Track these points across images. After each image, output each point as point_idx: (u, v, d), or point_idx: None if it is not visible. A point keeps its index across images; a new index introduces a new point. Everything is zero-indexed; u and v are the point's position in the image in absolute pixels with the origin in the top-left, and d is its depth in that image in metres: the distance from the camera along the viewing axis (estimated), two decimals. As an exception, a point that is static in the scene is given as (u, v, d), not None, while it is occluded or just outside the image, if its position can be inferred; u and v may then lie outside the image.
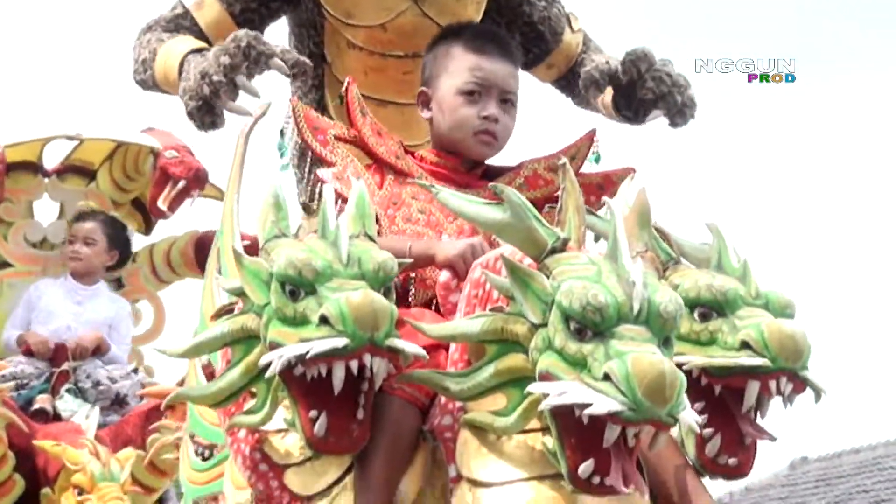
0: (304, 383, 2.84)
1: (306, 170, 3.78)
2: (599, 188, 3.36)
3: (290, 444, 3.07)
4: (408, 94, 3.70)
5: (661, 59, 3.68)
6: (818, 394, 2.99)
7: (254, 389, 3.03)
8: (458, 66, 3.41)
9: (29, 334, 5.95)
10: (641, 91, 3.66)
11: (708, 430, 3.03)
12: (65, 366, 5.88)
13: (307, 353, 2.76)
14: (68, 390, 5.83)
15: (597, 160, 3.47)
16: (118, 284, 6.44)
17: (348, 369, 2.77)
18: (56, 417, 5.76)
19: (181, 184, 6.13)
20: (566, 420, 2.67)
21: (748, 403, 2.97)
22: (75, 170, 6.43)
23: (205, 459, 3.53)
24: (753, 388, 2.94)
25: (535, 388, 2.71)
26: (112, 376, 5.88)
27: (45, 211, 6.46)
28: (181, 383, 5.67)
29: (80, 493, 5.40)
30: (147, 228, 6.67)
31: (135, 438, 5.57)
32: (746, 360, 2.92)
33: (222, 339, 3.01)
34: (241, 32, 3.43)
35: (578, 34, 4.01)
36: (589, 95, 3.77)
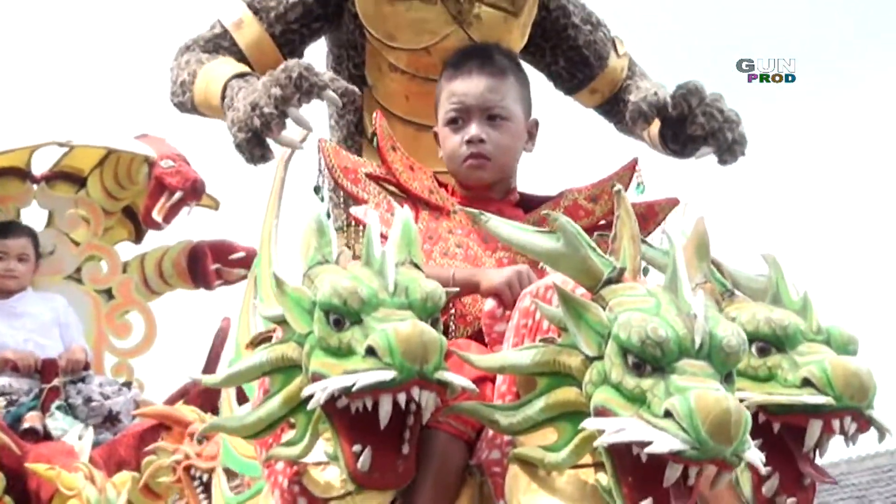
0: (348, 416, 2.76)
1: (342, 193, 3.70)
2: (643, 219, 3.26)
3: (330, 478, 2.98)
4: None
5: (712, 93, 3.60)
6: (882, 433, 2.90)
7: (293, 420, 2.95)
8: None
9: (10, 351, 5.78)
10: (691, 127, 3.57)
11: (765, 469, 2.94)
12: (55, 381, 5.70)
13: (353, 385, 2.68)
14: (58, 407, 5.65)
15: (640, 191, 3.39)
16: (108, 295, 6.33)
17: (395, 403, 2.69)
18: (46, 436, 5.61)
19: (177, 195, 6.03)
20: (623, 457, 2.59)
21: (809, 443, 2.88)
22: (65, 176, 6.33)
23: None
24: (816, 427, 2.86)
25: (590, 423, 2.62)
26: (104, 392, 5.72)
27: (34, 218, 6.34)
28: (171, 401, 5.59)
29: None
30: (138, 237, 6.57)
31: (129, 460, 5.39)
32: (809, 398, 2.83)
33: (261, 368, 2.93)
34: (293, 63, 3.34)
35: (624, 59, 3.93)
36: (636, 128, 3.69)
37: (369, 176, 3.33)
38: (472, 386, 2.75)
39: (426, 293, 2.80)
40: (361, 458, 2.74)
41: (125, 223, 6.53)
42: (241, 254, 6.38)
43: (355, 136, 3.73)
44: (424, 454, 2.85)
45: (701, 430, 2.46)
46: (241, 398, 3.63)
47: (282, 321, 2.91)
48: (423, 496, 2.86)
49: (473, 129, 3.34)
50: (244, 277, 6.49)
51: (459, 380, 2.72)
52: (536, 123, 3.48)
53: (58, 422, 5.62)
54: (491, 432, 2.89)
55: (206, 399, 5.32)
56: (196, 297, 6.59)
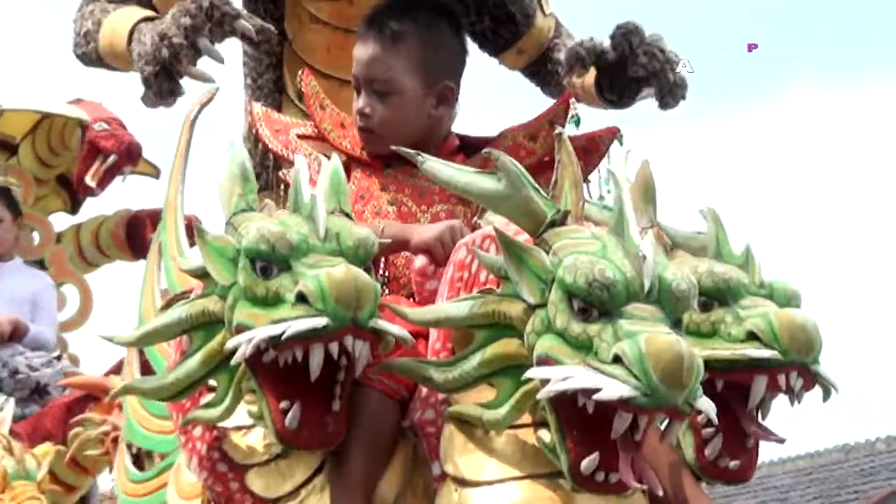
0: (275, 371, 2.64)
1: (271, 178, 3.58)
2: (585, 152, 3.17)
3: (252, 442, 2.86)
4: None
5: (652, 33, 3.49)
6: (827, 391, 2.84)
7: (212, 382, 2.82)
8: None
9: None
10: (632, 68, 3.46)
11: (708, 430, 2.86)
12: None
13: (282, 334, 2.56)
14: None
15: (577, 123, 3.30)
16: (40, 266, 6.14)
17: (327, 354, 2.57)
18: None
19: (111, 158, 5.85)
20: (568, 409, 2.50)
21: (754, 400, 2.80)
22: None
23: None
24: (761, 382, 2.78)
25: (534, 373, 2.52)
26: (32, 364, 5.56)
27: None
28: (114, 372, 5.41)
29: None
30: (73, 207, 6.39)
31: (55, 433, 5.24)
32: (754, 351, 2.76)
33: (180, 324, 2.81)
34: None
35: (550, 18, 3.83)
36: (573, 74, 3.58)
37: (301, 136, 3.22)
38: (408, 336, 2.65)
39: (358, 239, 2.69)
40: (289, 415, 2.63)
41: (59, 192, 6.34)
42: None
43: (275, 93, 3.61)
44: (356, 414, 2.74)
45: (652, 376, 2.37)
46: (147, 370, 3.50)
47: (202, 274, 2.78)
48: (354, 459, 2.74)
49: (361, 101, 3.24)
50: None
51: (395, 329, 2.62)
52: (450, 88, 3.30)
53: None
54: (424, 391, 2.79)
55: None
56: (135, 268, 6.40)
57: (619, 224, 2.56)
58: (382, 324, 2.60)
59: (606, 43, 3.51)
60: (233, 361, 2.66)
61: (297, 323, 2.55)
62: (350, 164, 3.20)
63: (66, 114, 6.02)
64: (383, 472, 2.78)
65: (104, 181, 5.95)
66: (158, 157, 6.30)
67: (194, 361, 2.78)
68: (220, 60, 3.31)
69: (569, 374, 2.45)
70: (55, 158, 6.19)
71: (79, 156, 5.98)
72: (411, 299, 3.03)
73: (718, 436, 2.85)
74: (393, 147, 2.97)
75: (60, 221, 6.34)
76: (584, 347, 2.47)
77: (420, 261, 2.99)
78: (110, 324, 6.41)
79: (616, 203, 2.58)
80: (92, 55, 3.57)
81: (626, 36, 3.48)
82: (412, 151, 2.74)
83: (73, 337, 6.21)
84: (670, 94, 3.49)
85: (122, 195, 6.24)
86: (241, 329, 2.66)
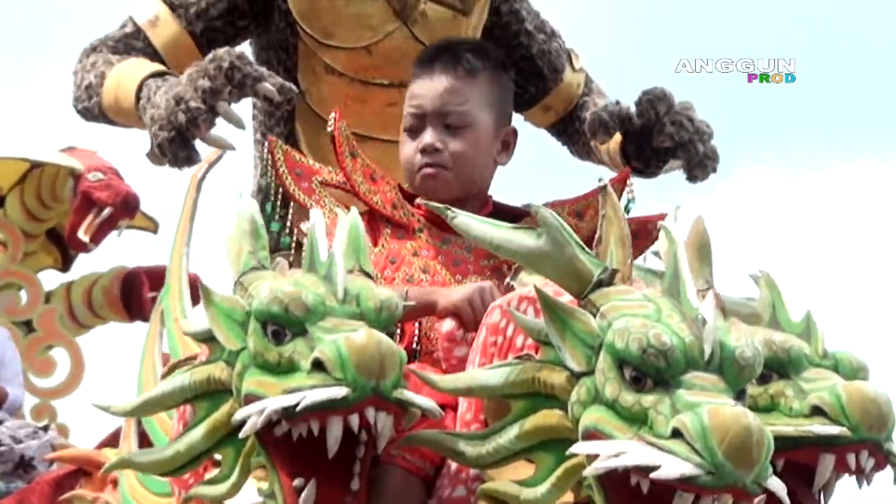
0: (288, 445, 2.40)
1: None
2: (635, 236, 2.89)
3: (261, 522, 2.59)
4: (391, 129, 3.29)
5: (681, 101, 3.28)
6: None
7: (218, 456, 2.56)
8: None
9: None
10: (658, 138, 3.25)
11: None
12: None
13: (297, 404, 2.31)
14: None
15: (630, 206, 3.02)
16: (28, 328, 5.87)
17: (346, 427, 2.32)
18: None
19: (106, 211, 5.60)
20: (618, 488, 2.26)
21: (820, 481, 2.57)
22: None
23: None
24: (828, 462, 2.55)
25: (581, 448, 2.28)
26: (16, 435, 5.28)
27: None
28: (107, 444, 5.15)
29: None
30: (65, 264, 6.14)
31: None
32: (820, 428, 2.52)
33: (182, 393, 2.56)
34: (222, 51, 3.02)
35: (580, 74, 3.62)
36: (596, 140, 3.36)
37: (325, 184, 2.96)
38: (436, 408, 2.40)
39: (380, 301, 2.45)
40: (304, 495, 2.39)
41: (49, 248, 6.09)
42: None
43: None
44: (376, 493, 2.51)
45: (717, 453, 2.12)
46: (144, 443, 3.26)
47: (208, 338, 2.54)
48: None
49: (429, 137, 2.98)
50: None
51: (421, 400, 2.37)
52: (514, 132, 3.11)
53: None
54: (454, 466, 2.55)
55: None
56: (131, 330, 6.17)
57: (675, 284, 2.32)
58: (408, 394, 2.35)
59: (633, 108, 3.30)
60: (241, 434, 2.42)
61: (314, 393, 2.31)
62: (378, 222, 2.95)
63: (58, 163, 5.78)
64: None
65: (98, 236, 5.71)
66: (157, 210, 6.06)
67: (198, 433, 2.54)
68: (241, 126, 3.12)
69: (621, 450, 2.20)
70: (45, 211, 5.94)
71: (71, 208, 5.71)
72: (436, 366, 2.78)
73: (773, 519, 2.59)
74: (419, 200, 2.73)
75: (50, 279, 6.09)
76: (637, 420, 2.23)
77: (448, 325, 2.75)
78: (103, 391, 6.11)
79: (671, 261, 2.34)
80: (94, 110, 3.36)
81: (653, 103, 3.27)
82: (441, 206, 2.50)
83: (62, 405, 5.94)
84: (699, 166, 3.28)
85: (118, 251, 6.04)
86: (250, 399, 2.42)
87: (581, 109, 3.58)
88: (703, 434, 2.13)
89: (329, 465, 2.38)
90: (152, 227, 6.17)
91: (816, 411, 2.56)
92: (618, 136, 3.33)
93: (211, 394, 2.52)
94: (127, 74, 3.26)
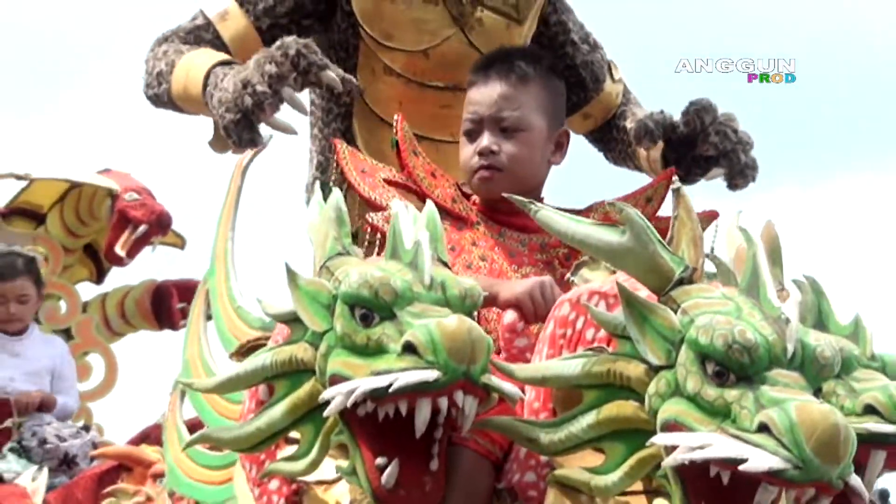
0: (372, 424, 2.24)
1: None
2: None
3: (336, 498, 2.45)
4: (444, 130, 3.14)
5: (725, 112, 3.15)
6: None
7: (294, 434, 2.40)
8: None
9: None
10: (703, 146, 3.12)
11: None
12: (8, 422, 5.12)
13: (389, 386, 2.14)
14: (12, 449, 5.07)
15: None
16: (67, 335, 5.71)
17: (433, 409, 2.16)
18: None
19: (142, 228, 5.46)
20: (696, 479, 2.12)
21: (871, 477, 2.40)
22: (23, 213, 5.75)
23: None
24: (879, 459, 2.39)
25: (662, 438, 2.13)
26: (61, 434, 5.14)
27: None
28: (137, 442, 5.00)
29: None
30: (99, 277, 5.98)
31: (85, 503, 4.82)
32: (875, 426, 2.37)
33: (263, 372, 2.40)
34: (290, 39, 2.86)
35: (619, 84, 3.47)
36: (641, 146, 3.22)
37: (388, 182, 2.81)
38: (520, 393, 2.24)
39: (464, 289, 2.31)
40: (387, 473, 2.23)
41: (85, 262, 5.96)
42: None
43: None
44: (449, 474, 2.34)
45: (805, 448, 1.99)
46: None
47: (291, 319, 2.37)
48: None
49: (486, 140, 2.83)
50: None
51: (508, 386, 2.21)
52: (567, 134, 2.96)
53: (10, 464, 5.03)
54: (523, 452, 2.40)
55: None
56: (160, 338, 6.04)
57: (754, 285, 2.18)
58: (494, 380, 2.21)
59: (677, 117, 3.17)
60: (327, 412, 2.26)
61: (406, 375, 2.16)
62: (440, 216, 2.79)
63: (96, 183, 5.64)
64: None
65: (134, 251, 5.59)
66: (185, 228, 5.92)
67: (278, 411, 2.38)
68: (305, 112, 2.98)
69: (706, 442, 2.06)
70: (83, 228, 5.82)
71: (108, 225, 5.60)
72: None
73: (823, 513, 2.44)
74: (504, 194, 2.58)
75: (86, 291, 5.97)
76: (720, 413, 2.09)
77: (509, 316, 2.59)
78: (136, 393, 6.00)
79: (750, 262, 2.20)
80: (163, 97, 3.18)
81: (699, 113, 3.14)
82: (525, 200, 2.34)
83: (97, 406, 5.79)
84: (741, 174, 3.15)
85: (147, 266, 5.90)
86: (336, 379, 2.27)
87: (619, 118, 3.43)
88: (791, 429, 2.00)
89: (411, 445, 2.23)
90: (180, 243, 6.06)
91: (869, 410, 2.41)
92: (660, 144, 3.18)
93: (292, 373, 2.37)
94: (196, 63, 3.09)
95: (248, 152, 3.09)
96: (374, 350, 2.23)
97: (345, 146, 2.85)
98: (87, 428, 5.34)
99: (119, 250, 5.51)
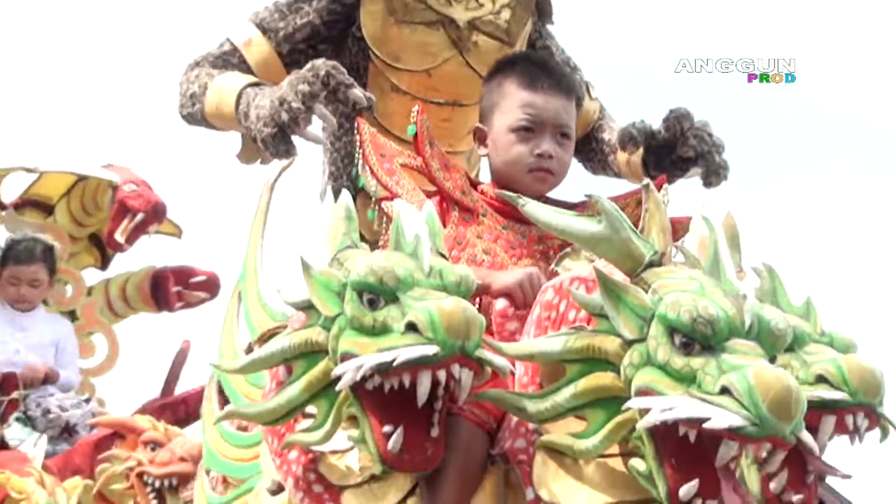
0: (379, 396, 2.33)
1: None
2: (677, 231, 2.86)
3: (348, 465, 2.53)
4: (444, 141, 3.22)
5: (700, 119, 3.26)
6: (886, 431, 2.53)
7: (310, 408, 2.49)
8: (511, 104, 2.91)
9: None
10: (683, 149, 3.22)
11: (775, 466, 2.54)
12: (14, 394, 5.20)
13: (392, 361, 2.25)
14: (17, 419, 5.17)
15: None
16: (72, 317, 5.80)
17: (433, 381, 2.25)
18: (3, 446, 5.09)
19: (139, 217, 5.54)
20: (666, 439, 2.20)
21: (823, 439, 2.49)
22: (33, 204, 5.83)
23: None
24: (829, 423, 2.48)
25: (636, 403, 2.22)
26: (62, 405, 5.22)
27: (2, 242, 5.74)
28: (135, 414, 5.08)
29: None
30: (103, 264, 6.06)
31: (84, 468, 4.89)
32: (826, 393, 2.45)
33: (282, 353, 2.49)
34: (320, 62, 2.98)
35: (596, 102, 3.58)
36: (625, 151, 3.33)
37: (404, 166, 2.88)
38: (510, 366, 2.34)
39: (460, 276, 2.40)
40: (393, 439, 2.32)
41: (91, 250, 6.02)
42: (202, 277, 5.91)
43: (352, 155, 3.30)
44: (448, 441, 2.42)
45: (762, 407, 2.08)
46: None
47: (306, 306, 2.47)
48: (447, 486, 2.42)
49: (547, 145, 2.88)
50: (204, 300, 6.01)
51: (499, 360, 2.31)
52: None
53: (15, 432, 5.12)
54: (514, 421, 2.47)
55: (161, 416, 4.97)
56: (158, 320, 6.12)
57: (715, 266, 2.28)
58: (487, 354, 2.30)
59: (657, 125, 3.27)
60: (338, 387, 2.36)
61: (407, 351, 2.25)
62: (448, 205, 2.86)
63: (100, 176, 5.71)
64: (473, 497, 2.45)
65: (132, 238, 5.68)
66: (182, 219, 6.01)
67: (296, 389, 2.47)
68: (334, 126, 3.10)
69: (673, 405, 2.16)
70: (88, 218, 5.91)
71: (110, 215, 5.67)
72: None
73: (784, 471, 2.53)
74: (497, 191, 2.67)
75: (91, 276, 6.03)
76: (686, 379, 2.18)
77: (501, 303, 2.68)
78: (135, 370, 6.08)
79: (712, 246, 2.30)
80: (197, 115, 3.29)
81: (679, 119, 3.25)
82: (513, 195, 2.45)
83: (100, 382, 5.87)
84: (715, 174, 3.25)
85: (147, 253, 5.98)
86: (346, 357, 2.36)
87: (598, 131, 3.54)
88: (749, 391, 2.09)
89: (414, 415, 2.32)
90: (177, 232, 6.15)
91: (821, 379, 2.50)
92: (640, 150, 3.29)
93: (308, 354, 2.45)
94: (227, 85, 3.21)
95: (276, 170, 3.19)
96: (380, 330, 2.32)
97: (367, 127, 2.91)
98: (87, 400, 5.41)
99: (119, 237, 5.59)
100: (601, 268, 2.33)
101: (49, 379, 5.36)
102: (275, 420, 2.51)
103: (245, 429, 3.06)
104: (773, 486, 2.54)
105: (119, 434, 4.77)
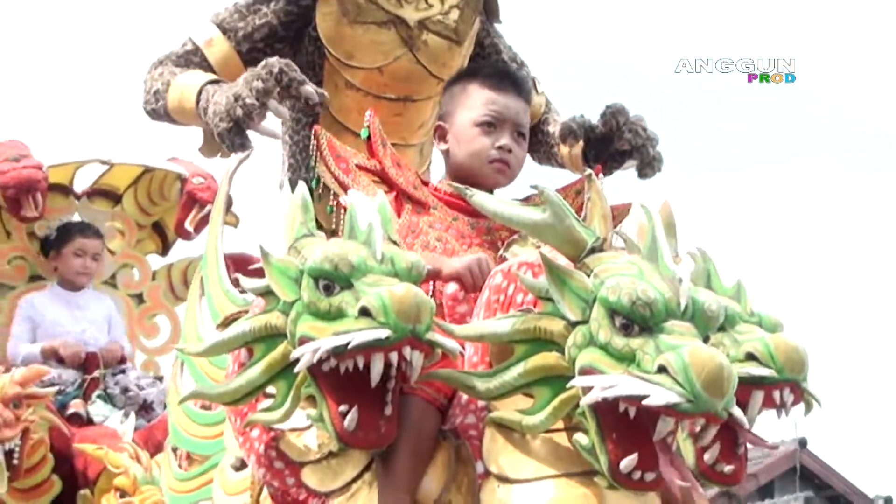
0: (335, 377, 2.23)
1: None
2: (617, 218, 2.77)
3: (306, 442, 2.44)
4: (396, 135, 3.13)
5: (635, 114, 3.17)
6: (810, 406, 2.47)
7: (270, 389, 2.39)
8: (475, 101, 2.82)
9: (60, 344, 5.09)
10: (619, 142, 3.14)
11: (707, 440, 2.46)
12: (96, 373, 4.96)
13: (347, 344, 2.15)
14: (99, 396, 4.93)
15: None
16: (139, 300, 5.68)
17: (385, 363, 2.16)
18: (89, 422, 4.91)
19: (208, 208, 5.39)
20: (607, 415, 2.12)
21: (753, 413, 2.42)
22: (103, 193, 5.64)
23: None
24: (758, 397, 2.41)
25: (579, 381, 2.14)
26: (140, 384, 5.08)
27: None
28: None
29: (121, 496, 4.53)
30: (164, 250, 5.90)
31: (165, 443, 4.78)
32: (755, 369, 2.39)
33: (243, 337, 2.39)
34: (273, 59, 2.87)
35: (542, 96, 3.48)
36: (566, 145, 3.23)
37: (359, 167, 2.78)
38: (459, 348, 2.25)
39: (410, 263, 2.30)
40: (348, 418, 2.23)
41: (154, 237, 5.85)
42: (259, 265, 5.75)
43: (309, 149, 3.19)
44: (401, 419, 2.33)
45: (696, 384, 2.01)
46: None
47: (265, 292, 2.36)
48: (400, 461, 2.33)
49: (507, 140, 2.79)
50: None
51: (449, 342, 2.22)
52: None
53: (99, 409, 4.94)
54: (464, 398, 2.39)
55: None
56: None
57: (653, 251, 2.20)
58: (438, 337, 2.21)
59: (595, 120, 3.18)
60: (296, 369, 2.26)
61: (361, 334, 2.16)
62: (402, 200, 2.76)
63: (168, 168, 5.58)
64: (425, 470, 2.37)
65: (200, 227, 5.52)
66: (238, 210, 5.89)
67: (256, 370, 2.37)
68: (287, 120, 3.00)
69: (614, 383, 2.08)
70: (153, 207, 5.74)
71: (175, 207, 5.56)
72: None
73: (716, 444, 2.46)
74: (448, 182, 2.57)
75: (154, 262, 5.90)
76: (626, 359, 2.11)
77: (452, 287, 2.58)
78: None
79: (650, 233, 2.22)
80: (161, 111, 3.18)
81: (615, 115, 3.16)
82: (462, 187, 2.36)
83: (164, 361, 5.74)
84: (649, 165, 3.17)
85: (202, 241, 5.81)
86: (304, 340, 2.26)
87: (544, 124, 3.44)
88: (685, 369, 2.01)
89: (368, 394, 2.23)
90: (234, 222, 5.98)
91: (750, 357, 2.43)
92: (579, 143, 3.20)
93: (267, 337, 2.35)
94: (188, 83, 3.09)
95: (234, 162, 3.08)
96: (335, 315, 2.22)
97: (324, 132, 2.81)
98: (160, 378, 5.29)
99: (188, 226, 5.46)
100: (546, 253, 2.24)
101: (125, 358, 5.24)
102: (236, 400, 2.41)
103: (209, 407, 2.95)
104: (706, 457, 2.47)
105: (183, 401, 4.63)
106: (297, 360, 2.26)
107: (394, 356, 2.16)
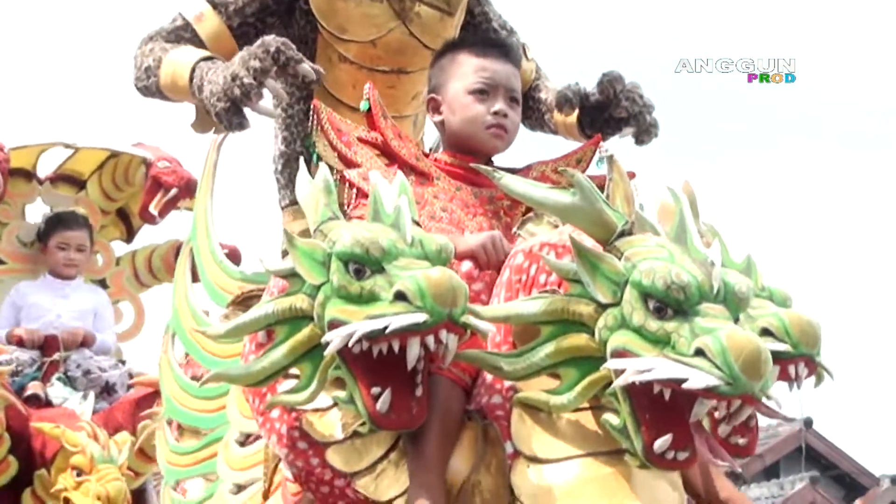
0: (367, 360, 2.27)
1: (288, 175, 3.21)
2: (602, 190, 2.84)
3: (330, 423, 2.48)
4: (390, 108, 3.13)
5: (631, 81, 3.22)
6: (821, 378, 2.57)
7: (294, 370, 2.43)
8: (465, 70, 2.86)
9: (19, 328, 5.09)
10: (616, 110, 3.19)
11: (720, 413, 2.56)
12: (56, 355, 5.06)
13: (384, 328, 2.19)
14: (59, 379, 5.02)
15: (600, 165, 2.95)
16: (102, 285, 5.65)
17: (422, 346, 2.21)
18: (48, 404, 4.94)
19: (173, 191, 5.39)
20: (641, 396, 2.19)
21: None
22: (67, 178, 5.63)
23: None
24: (774, 372, 2.48)
25: (613, 363, 2.20)
26: (101, 366, 5.11)
27: (36, 213, 5.61)
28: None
29: (78, 474, 4.58)
30: (129, 237, 5.90)
31: (125, 425, 4.80)
32: (771, 345, 2.45)
33: (267, 319, 2.41)
34: (270, 38, 2.85)
35: (532, 62, 3.53)
36: (562, 113, 3.28)
37: (360, 140, 2.81)
38: (493, 329, 2.30)
39: (440, 245, 2.35)
40: (381, 400, 2.27)
41: (118, 223, 5.85)
42: (224, 251, 5.74)
43: (304, 122, 3.21)
44: (429, 399, 2.37)
45: (734, 367, 2.08)
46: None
47: (289, 275, 2.39)
48: (429, 441, 2.39)
49: (502, 104, 2.84)
50: None
51: (483, 324, 2.27)
52: None
53: (58, 391, 4.98)
54: (489, 379, 2.45)
55: None
56: None
57: (682, 233, 2.26)
58: (473, 320, 2.25)
59: (591, 87, 3.23)
60: (328, 351, 2.29)
61: (399, 318, 2.20)
62: (405, 171, 2.77)
63: (133, 153, 5.53)
64: (453, 450, 2.42)
65: (164, 211, 5.54)
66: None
67: (280, 352, 2.40)
68: (285, 99, 3.00)
69: (651, 366, 2.15)
70: (118, 193, 5.74)
71: (140, 193, 5.53)
72: None
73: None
74: (472, 164, 2.61)
75: (118, 248, 5.86)
76: (661, 342, 2.17)
77: (466, 265, 2.63)
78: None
79: (678, 215, 2.28)
80: (152, 88, 3.16)
81: (612, 82, 3.20)
82: (490, 168, 2.40)
83: (127, 346, 5.75)
84: (646, 132, 3.22)
85: (171, 228, 5.81)
86: (334, 324, 2.29)
87: (535, 90, 3.48)
88: (723, 352, 2.09)
89: (400, 376, 2.27)
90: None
91: (765, 332, 2.51)
92: (575, 112, 3.26)
93: (291, 319, 2.38)
94: (181, 59, 3.07)
95: (224, 133, 3.08)
96: (367, 298, 2.26)
97: (324, 107, 2.84)
98: (123, 362, 5.29)
99: (153, 209, 5.45)
100: (574, 235, 2.30)
101: (87, 342, 5.23)
102: (259, 382, 2.44)
103: (199, 378, 2.98)
104: (720, 430, 2.56)
105: (159, 393, 4.64)
106: (322, 343, 2.29)
107: (430, 340, 2.21)
